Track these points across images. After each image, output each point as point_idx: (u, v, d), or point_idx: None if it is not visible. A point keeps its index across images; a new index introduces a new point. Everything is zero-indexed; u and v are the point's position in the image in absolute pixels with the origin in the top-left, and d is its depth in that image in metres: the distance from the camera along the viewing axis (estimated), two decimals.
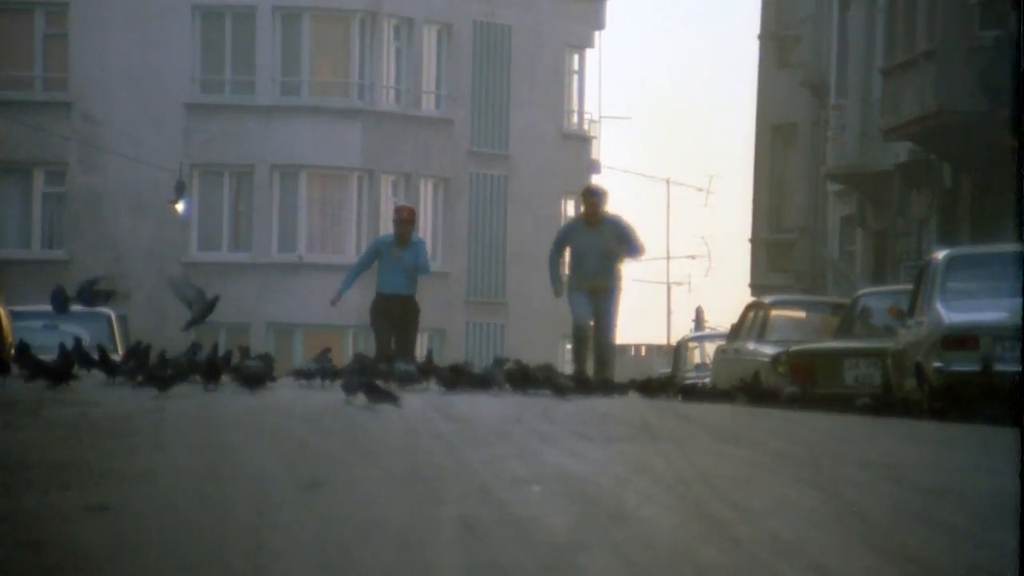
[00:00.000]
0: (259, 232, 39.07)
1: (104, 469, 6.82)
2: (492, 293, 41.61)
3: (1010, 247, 17.44)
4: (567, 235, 15.83)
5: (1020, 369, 12.54)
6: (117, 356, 21.33)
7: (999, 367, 13.86)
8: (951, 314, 14.10)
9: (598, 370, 15.06)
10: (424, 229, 41.21)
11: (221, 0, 39.07)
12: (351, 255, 40.40)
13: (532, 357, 13.59)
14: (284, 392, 11.12)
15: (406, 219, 16.65)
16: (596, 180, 44.79)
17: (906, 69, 26.40)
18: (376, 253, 16.48)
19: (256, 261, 38.80)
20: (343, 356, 41.25)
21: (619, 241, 15.49)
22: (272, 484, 6.63)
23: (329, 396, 10.74)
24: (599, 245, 15.40)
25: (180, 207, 36.51)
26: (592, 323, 15.47)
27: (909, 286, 15.83)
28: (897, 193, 28.76)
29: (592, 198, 15.65)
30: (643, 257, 15.84)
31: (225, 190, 39.55)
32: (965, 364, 13.88)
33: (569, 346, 46.10)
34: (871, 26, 28.84)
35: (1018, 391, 11.36)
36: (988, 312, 14.14)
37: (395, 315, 16.15)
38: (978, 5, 24.53)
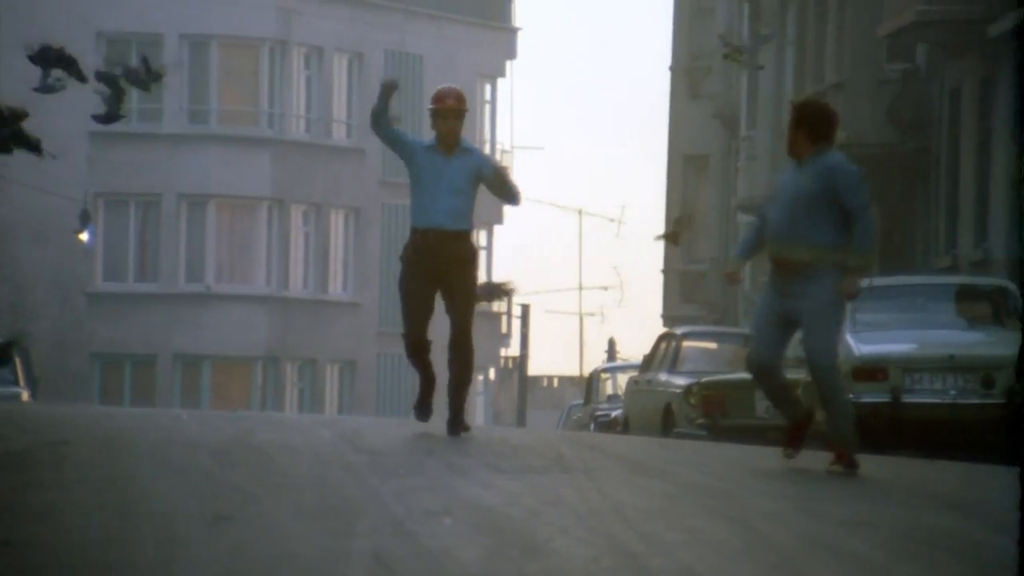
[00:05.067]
0: (166, 262, 38.75)
1: (6, 504, 6.69)
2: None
3: (919, 279, 17.62)
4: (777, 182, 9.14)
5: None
6: (18, 389, 21.06)
7: (908, 399, 13.97)
8: (861, 345, 14.21)
9: (826, 416, 9.03)
10: (335, 259, 41.15)
11: (127, 27, 38.80)
12: (260, 285, 40.22)
13: (445, 392, 11.49)
14: (192, 426, 10.99)
15: (453, 109, 10.02)
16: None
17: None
18: (410, 152, 10.15)
19: (163, 291, 38.47)
20: (251, 390, 41.00)
21: (831, 191, 8.80)
22: (179, 519, 6.53)
23: (239, 428, 10.62)
24: (798, 193, 8.85)
25: (85, 237, 36.15)
26: (773, 343, 8.88)
27: None
28: None
29: (823, 116, 8.97)
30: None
31: (131, 219, 39.20)
32: (874, 395, 13.98)
33: (482, 378, 46.16)
34: (781, 58, 29.12)
35: (1018, 424, 11.26)
36: (897, 344, 14.25)
37: (439, 264, 10.00)
38: (885, 39, 24.86)
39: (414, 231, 10.17)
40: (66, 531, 6.15)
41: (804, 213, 8.90)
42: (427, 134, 10.32)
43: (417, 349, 10.15)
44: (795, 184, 8.95)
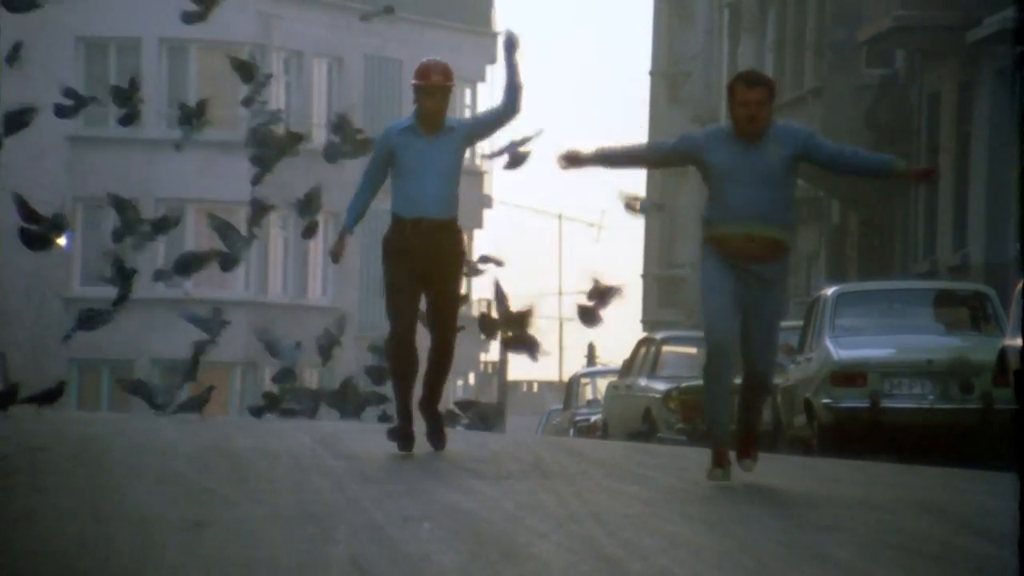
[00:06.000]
0: (144, 267, 38.66)
1: None
2: (384, 329, 41.47)
3: (898, 284, 17.67)
4: (701, 148, 8.28)
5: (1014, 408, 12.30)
6: None
7: (886, 403, 14.00)
8: (840, 350, 14.23)
9: (743, 414, 8.43)
10: (314, 263, 41.08)
11: (106, 31, 38.73)
12: (239, 291, 40.13)
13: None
14: (169, 431, 10.97)
15: (439, 86, 9.02)
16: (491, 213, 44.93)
17: (794, 106, 26.74)
18: (388, 153, 9.03)
19: (141, 296, 38.35)
20: (230, 395, 40.95)
21: (793, 168, 8.24)
22: (156, 524, 6.51)
23: (216, 433, 10.60)
24: (764, 170, 8.17)
25: (62, 241, 36.05)
26: (737, 328, 8.23)
27: (799, 322, 15.99)
28: None
29: (753, 90, 8.19)
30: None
31: (109, 224, 39.13)
32: (853, 400, 14.00)
33: (461, 383, 46.09)
34: (760, 63, 29.18)
35: (1017, 433, 11.15)
36: (876, 348, 14.29)
37: (427, 260, 8.99)
38: (864, 44, 24.93)
39: (399, 221, 8.96)
40: (42, 537, 6.12)
41: (778, 190, 8.18)
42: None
43: (404, 346, 8.97)
44: (758, 160, 8.16)
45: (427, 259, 8.96)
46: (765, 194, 8.19)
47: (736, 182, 8.21)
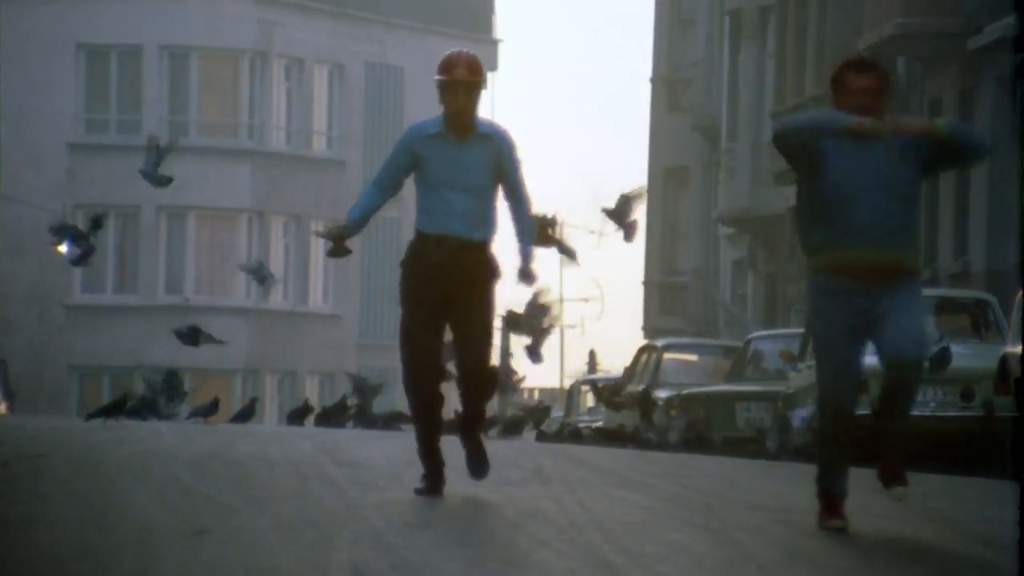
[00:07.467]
0: (145, 274, 38.70)
1: None
2: (385, 335, 41.48)
3: None
4: (807, 141, 6.85)
5: (1016, 416, 12.24)
6: None
7: None
8: None
9: (889, 423, 7.25)
10: (315, 271, 41.12)
11: (107, 39, 38.76)
12: (240, 297, 40.18)
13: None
14: (170, 438, 10.98)
15: (463, 82, 7.87)
16: None
17: (795, 113, 26.73)
18: (411, 159, 7.83)
19: (142, 304, 38.40)
20: (231, 402, 40.92)
21: (920, 171, 6.79)
22: (157, 532, 6.51)
23: (217, 440, 10.60)
24: (887, 174, 6.79)
25: (63, 249, 36.10)
26: (857, 386, 7.28)
27: (800, 329, 15.97)
28: (788, 236, 29.09)
29: (865, 76, 6.82)
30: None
31: (110, 231, 39.16)
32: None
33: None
34: (761, 70, 29.20)
35: (1017, 440, 11.07)
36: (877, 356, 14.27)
37: (446, 279, 7.75)
38: (865, 51, 24.95)
39: (421, 237, 7.75)
40: (42, 544, 6.13)
41: (907, 200, 6.66)
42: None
43: (423, 383, 7.68)
44: (881, 163, 6.61)
45: (450, 281, 7.70)
46: (895, 206, 6.70)
47: (857, 190, 6.66)
